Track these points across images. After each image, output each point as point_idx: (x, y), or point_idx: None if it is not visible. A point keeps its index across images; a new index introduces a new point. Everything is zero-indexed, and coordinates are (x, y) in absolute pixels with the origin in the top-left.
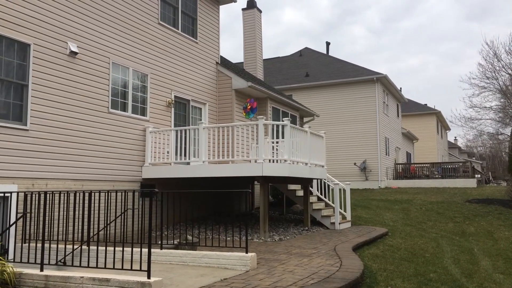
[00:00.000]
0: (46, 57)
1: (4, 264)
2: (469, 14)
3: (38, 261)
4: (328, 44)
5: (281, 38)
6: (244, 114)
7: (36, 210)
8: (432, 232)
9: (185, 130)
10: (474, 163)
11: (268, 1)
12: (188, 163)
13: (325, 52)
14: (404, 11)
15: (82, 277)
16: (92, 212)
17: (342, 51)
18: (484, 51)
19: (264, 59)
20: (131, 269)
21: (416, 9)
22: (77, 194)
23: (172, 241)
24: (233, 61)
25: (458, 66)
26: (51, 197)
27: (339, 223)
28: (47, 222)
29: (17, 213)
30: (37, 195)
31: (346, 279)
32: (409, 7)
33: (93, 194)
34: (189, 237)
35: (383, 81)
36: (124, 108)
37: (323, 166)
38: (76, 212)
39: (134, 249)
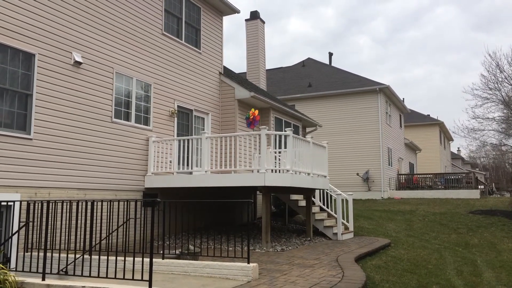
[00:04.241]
0: (51, 66)
1: (6, 273)
2: (475, 24)
3: (40, 270)
4: (331, 54)
5: (286, 48)
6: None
7: (39, 219)
8: (435, 243)
9: (188, 140)
10: (477, 174)
11: (274, 11)
12: (190, 173)
13: (328, 62)
14: (410, 21)
15: (84, 286)
16: (94, 221)
17: (348, 61)
18: (486, 62)
19: (267, 69)
20: (133, 279)
21: (422, 19)
22: (80, 203)
23: (174, 251)
24: (237, 70)
25: (464, 77)
26: (53, 206)
27: (342, 234)
28: (49, 231)
29: (19, 222)
30: (40, 204)
31: None
32: (416, 17)
33: (95, 203)
34: (191, 247)
35: (386, 92)
36: (127, 117)
37: (325, 176)
38: (79, 221)
39: (136, 258)
